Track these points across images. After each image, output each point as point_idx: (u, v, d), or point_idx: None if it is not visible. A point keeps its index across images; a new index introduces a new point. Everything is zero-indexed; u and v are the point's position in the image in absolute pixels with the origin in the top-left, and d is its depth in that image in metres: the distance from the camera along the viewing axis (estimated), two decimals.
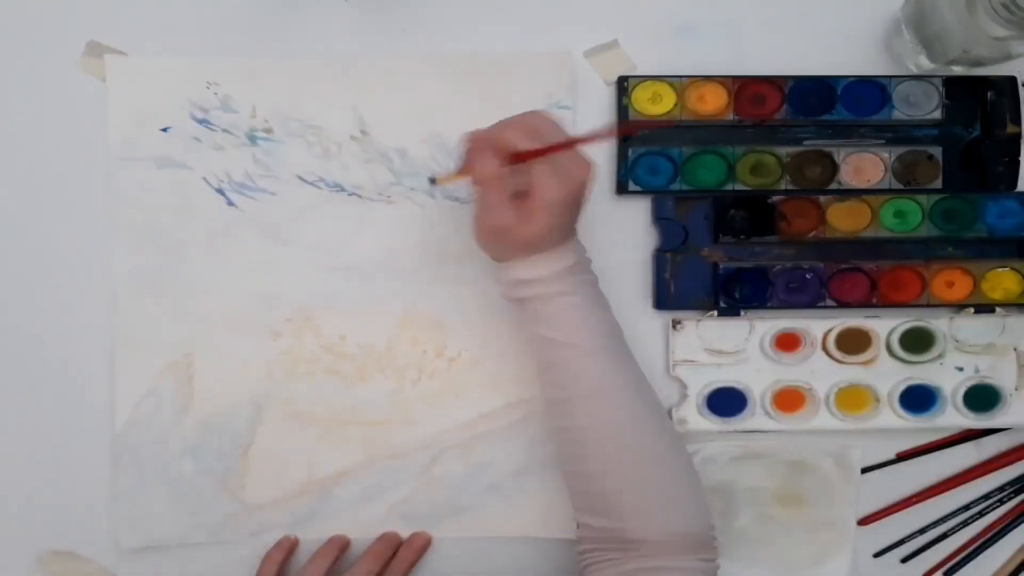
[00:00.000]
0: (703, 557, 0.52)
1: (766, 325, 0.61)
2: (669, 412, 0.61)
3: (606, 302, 0.55)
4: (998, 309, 0.61)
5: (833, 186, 0.61)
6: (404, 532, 0.62)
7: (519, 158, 0.50)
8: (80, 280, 0.61)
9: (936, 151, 0.61)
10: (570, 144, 0.50)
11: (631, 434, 0.52)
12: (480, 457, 0.61)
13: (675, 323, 0.61)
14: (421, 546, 0.61)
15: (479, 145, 0.51)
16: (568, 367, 0.53)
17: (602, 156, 0.61)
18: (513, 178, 0.50)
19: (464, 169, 0.52)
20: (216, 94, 0.60)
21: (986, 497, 0.63)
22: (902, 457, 0.63)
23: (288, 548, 0.60)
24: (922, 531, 0.63)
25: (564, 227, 0.52)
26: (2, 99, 0.61)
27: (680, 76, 0.60)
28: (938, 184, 0.61)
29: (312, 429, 0.61)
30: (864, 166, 0.61)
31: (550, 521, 0.61)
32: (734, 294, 0.61)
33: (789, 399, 0.61)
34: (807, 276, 0.61)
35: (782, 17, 0.62)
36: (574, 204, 0.52)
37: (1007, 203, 0.61)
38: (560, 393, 0.53)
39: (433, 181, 0.57)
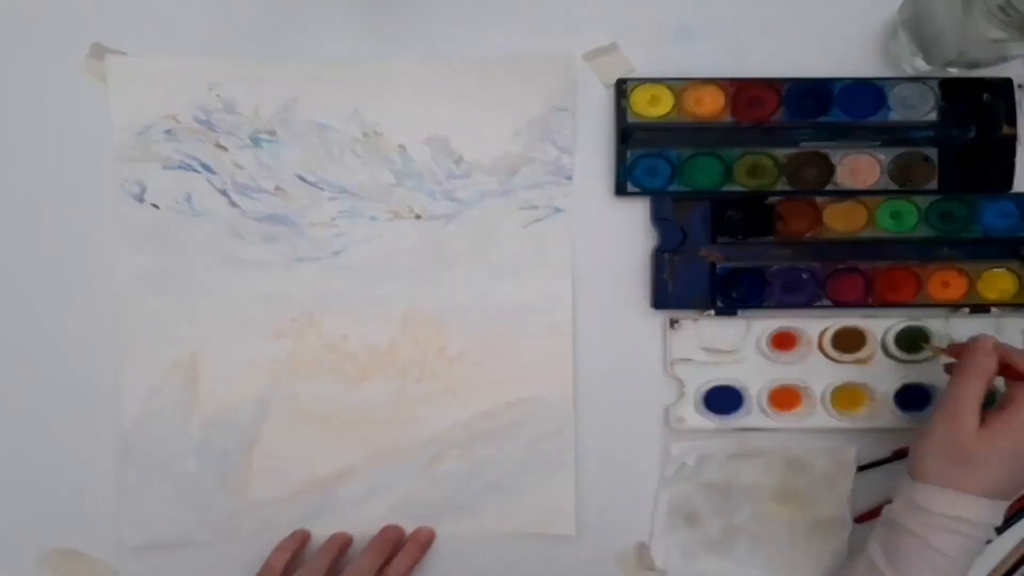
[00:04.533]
0: None
1: (763, 324, 0.61)
2: (666, 410, 0.62)
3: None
4: (993, 309, 0.61)
5: (829, 187, 0.61)
6: (406, 529, 0.62)
7: (1011, 372, 0.52)
8: (86, 281, 0.61)
9: (932, 153, 0.61)
10: None
11: None
12: (480, 455, 0.62)
13: (673, 322, 0.61)
14: (426, 540, 0.61)
15: (987, 347, 0.53)
16: None
17: (601, 158, 0.62)
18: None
19: (957, 350, 0.55)
20: (219, 96, 0.61)
21: None
22: (899, 455, 0.63)
23: (301, 540, 0.61)
24: None
25: (1015, 476, 0.51)
26: (6, 101, 0.61)
27: (678, 79, 0.61)
28: (934, 185, 0.61)
29: (315, 428, 0.62)
30: (860, 168, 0.61)
31: (550, 518, 0.62)
32: (731, 294, 0.61)
33: (785, 397, 0.62)
34: (803, 276, 0.61)
35: (779, 20, 0.62)
36: None
37: (1003, 204, 0.61)
38: None
39: (924, 343, 0.61)
